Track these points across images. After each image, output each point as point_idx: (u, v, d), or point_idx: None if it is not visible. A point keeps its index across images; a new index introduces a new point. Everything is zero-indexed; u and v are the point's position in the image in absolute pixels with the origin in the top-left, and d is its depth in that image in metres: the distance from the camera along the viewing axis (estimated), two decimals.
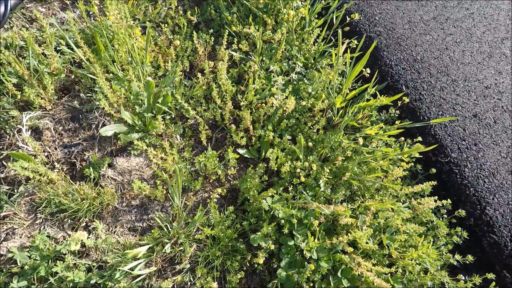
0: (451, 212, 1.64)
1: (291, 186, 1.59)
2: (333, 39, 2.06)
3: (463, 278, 1.47)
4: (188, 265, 1.36)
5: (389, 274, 1.47)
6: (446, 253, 1.55)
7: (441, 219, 1.65)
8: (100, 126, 1.54)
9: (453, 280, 1.46)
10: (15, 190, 1.35)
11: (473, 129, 1.82)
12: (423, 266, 1.55)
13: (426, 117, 1.86)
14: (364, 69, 1.88)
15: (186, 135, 1.68)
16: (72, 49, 1.66)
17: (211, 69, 1.83)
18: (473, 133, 1.81)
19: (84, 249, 1.31)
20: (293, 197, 1.59)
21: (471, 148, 1.77)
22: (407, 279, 1.49)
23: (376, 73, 1.87)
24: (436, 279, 1.49)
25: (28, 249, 1.22)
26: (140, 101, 1.62)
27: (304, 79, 1.91)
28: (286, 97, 1.71)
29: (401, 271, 1.52)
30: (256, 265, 1.44)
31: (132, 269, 1.22)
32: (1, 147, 1.40)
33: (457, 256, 1.52)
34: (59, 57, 1.64)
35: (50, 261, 1.22)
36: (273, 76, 1.85)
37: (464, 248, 1.61)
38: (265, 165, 1.60)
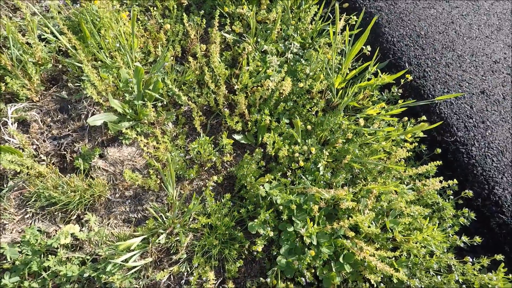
0: (457, 193, 1.58)
1: (290, 171, 1.53)
2: (331, 16, 1.96)
3: (471, 260, 1.41)
4: (185, 255, 1.33)
5: (393, 258, 1.42)
6: (452, 235, 1.49)
7: (447, 200, 1.58)
8: (89, 116, 1.49)
9: (460, 263, 1.41)
10: (4, 185, 1.32)
11: (480, 106, 1.73)
12: (428, 249, 1.50)
13: (430, 95, 1.77)
14: (364, 47, 1.79)
15: (179, 122, 1.62)
16: (57, 37, 1.59)
17: (203, 52, 1.76)
18: (481, 110, 1.72)
19: (77, 242, 1.28)
20: (292, 183, 1.54)
21: (479, 126, 1.68)
22: (412, 262, 1.44)
23: (377, 50, 1.77)
24: (442, 262, 1.44)
25: (19, 245, 1.20)
26: (130, 89, 1.56)
27: (301, 59, 1.82)
28: (283, 79, 1.63)
29: (405, 255, 1.47)
30: (255, 253, 1.40)
31: (126, 260, 1.19)
32: None
33: (464, 238, 1.46)
34: (45, 46, 1.58)
35: (42, 255, 1.19)
36: (268, 57, 1.77)
37: (471, 230, 1.55)
38: (262, 150, 1.54)
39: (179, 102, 1.65)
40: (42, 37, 1.60)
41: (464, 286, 1.39)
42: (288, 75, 1.68)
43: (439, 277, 1.40)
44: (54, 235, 1.25)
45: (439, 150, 1.61)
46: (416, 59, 1.87)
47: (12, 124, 1.35)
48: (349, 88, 1.73)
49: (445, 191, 1.61)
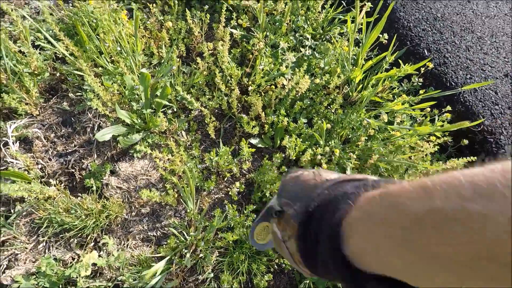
0: None
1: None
2: (343, 2, 1.83)
3: None
4: (212, 274, 1.25)
5: None
6: None
7: None
8: (96, 129, 1.38)
9: None
10: (11, 211, 1.22)
11: (505, 91, 1.65)
12: None
13: (453, 83, 1.68)
14: (380, 35, 1.68)
15: (191, 129, 1.52)
16: (51, 44, 1.46)
17: (210, 51, 1.64)
18: (506, 95, 1.64)
19: (96, 268, 1.19)
20: None
21: (505, 113, 1.60)
22: None
23: (394, 38, 1.66)
24: None
25: (34, 276, 1.11)
26: (137, 96, 1.45)
27: (315, 52, 1.71)
28: (298, 77, 1.53)
29: None
30: (283, 265, 1.33)
31: (153, 286, 1.11)
32: None
33: None
34: (39, 53, 1.44)
35: (60, 287, 1.11)
36: (281, 53, 1.65)
37: None
38: (282, 154, 1.45)
39: (189, 107, 1.54)
40: (35, 43, 1.46)
41: None
42: (304, 71, 1.57)
43: None
44: (71, 263, 1.16)
45: (465, 141, 1.53)
46: (435, 45, 1.77)
47: (13, 143, 1.23)
48: (366, 81, 1.63)
49: None
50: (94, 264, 1.18)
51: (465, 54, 1.75)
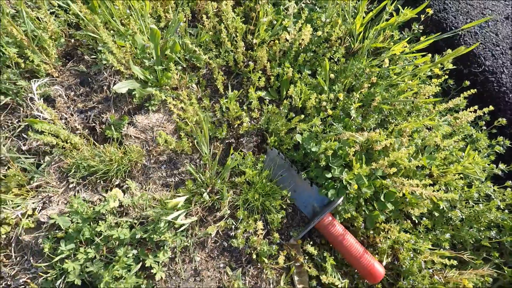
0: (489, 123, 1.56)
1: (319, 120, 1.51)
2: None
3: None
4: (228, 211, 1.34)
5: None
6: (488, 164, 1.48)
7: (480, 131, 1.56)
8: (111, 86, 1.47)
9: (500, 188, 1.41)
10: (41, 161, 1.32)
11: (506, 33, 1.67)
12: (466, 180, 1.50)
13: (453, 28, 1.71)
14: None
15: (201, 85, 1.60)
16: (67, 7, 1.54)
17: (215, 11, 1.70)
18: (507, 37, 1.66)
19: (122, 209, 1.30)
20: (323, 131, 1.52)
21: (506, 53, 1.63)
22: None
23: None
24: (482, 191, 1.44)
25: (67, 214, 1.21)
26: (148, 55, 1.52)
27: (316, 7, 1.76)
28: (300, 29, 1.58)
29: (444, 189, 1.48)
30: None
31: (175, 218, 1.20)
32: (17, 120, 1.35)
33: (501, 165, 1.46)
34: (54, 20, 1.53)
35: (91, 222, 1.21)
36: (282, 8, 1.70)
37: (507, 157, 1.54)
38: (289, 102, 1.52)
39: (198, 64, 1.61)
40: (50, 11, 1.55)
41: (506, 211, 1.40)
42: (306, 23, 1.62)
43: (480, 205, 1.41)
44: (99, 203, 1.26)
45: (467, 83, 1.58)
46: None
47: (38, 99, 1.33)
48: (368, 31, 1.68)
49: (477, 124, 1.59)
50: (121, 205, 1.28)
51: None
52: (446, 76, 1.49)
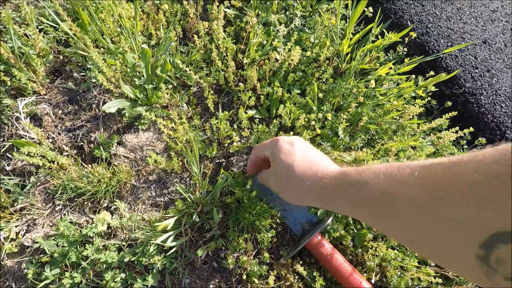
0: (470, 142, 1.62)
1: (309, 140, 1.54)
2: None
3: None
4: (218, 231, 1.34)
5: None
6: None
7: (462, 150, 1.62)
8: (101, 104, 1.45)
9: None
10: (27, 181, 1.29)
11: (484, 56, 1.76)
12: None
13: (435, 50, 1.78)
14: (366, 9, 1.78)
15: (191, 104, 1.60)
16: (57, 25, 1.53)
17: (206, 30, 1.72)
18: (485, 60, 1.75)
19: (110, 231, 1.27)
20: None
21: (485, 75, 1.71)
22: None
23: (379, 11, 1.77)
24: None
25: (53, 238, 1.18)
26: (138, 73, 1.52)
27: (305, 28, 1.80)
28: (290, 50, 1.62)
29: None
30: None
31: (164, 241, 1.19)
32: (2, 139, 1.32)
33: None
34: (43, 37, 1.51)
35: (78, 246, 1.18)
36: (272, 29, 1.74)
37: None
38: (279, 122, 1.54)
39: (188, 83, 1.62)
40: (39, 27, 1.53)
41: None
42: (295, 44, 1.66)
43: None
44: (86, 226, 1.24)
45: (449, 103, 1.64)
46: (418, 16, 1.88)
47: (24, 118, 1.31)
48: (355, 52, 1.73)
49: (459, 142, 1.65)
50: (109, 227, 1.26)
51: (446, 23, 1.85)
52: (429, 98, 1.55)
